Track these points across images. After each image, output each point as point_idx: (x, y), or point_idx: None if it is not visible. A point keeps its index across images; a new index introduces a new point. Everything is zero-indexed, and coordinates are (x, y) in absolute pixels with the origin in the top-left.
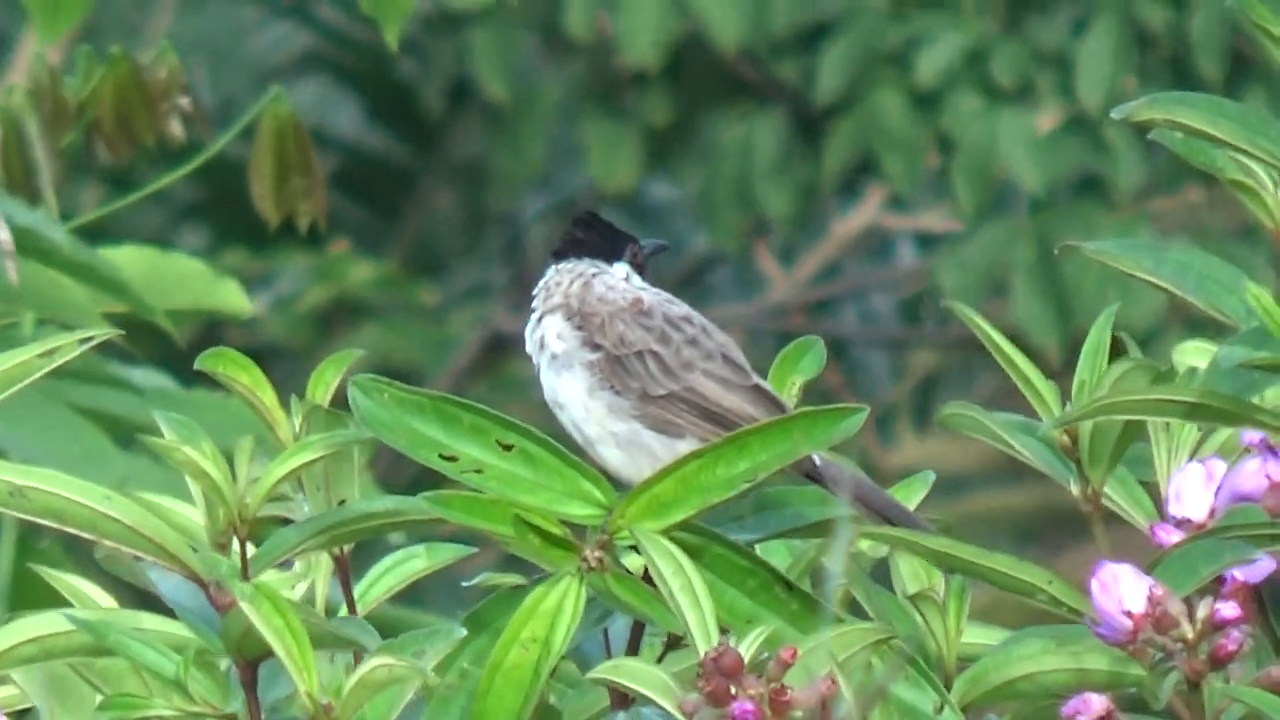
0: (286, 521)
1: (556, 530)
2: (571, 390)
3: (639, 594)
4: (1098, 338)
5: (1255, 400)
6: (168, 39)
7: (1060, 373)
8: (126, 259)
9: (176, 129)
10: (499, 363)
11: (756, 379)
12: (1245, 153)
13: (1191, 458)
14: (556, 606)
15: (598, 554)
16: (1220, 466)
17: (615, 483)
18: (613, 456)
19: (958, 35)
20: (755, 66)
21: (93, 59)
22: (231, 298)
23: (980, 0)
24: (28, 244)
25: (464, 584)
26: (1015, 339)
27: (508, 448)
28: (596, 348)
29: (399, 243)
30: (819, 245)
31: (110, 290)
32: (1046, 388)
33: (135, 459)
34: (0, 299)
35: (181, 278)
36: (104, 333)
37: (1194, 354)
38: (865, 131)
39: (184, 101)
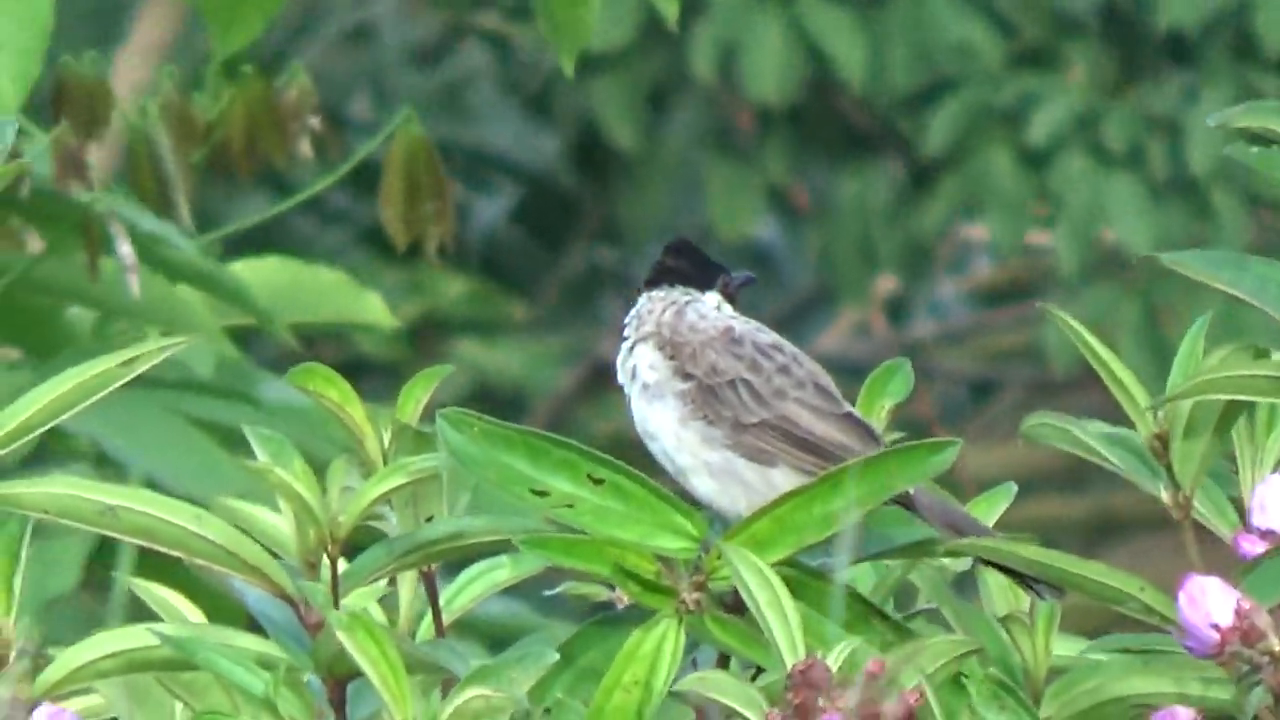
0: (376, 532)
1: (651, 568)
2: (663, 420)
3: (737, 634)
4: (1191, 345)
5: None
6: (299, 63)
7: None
8: (269, 270)
9: (306, 149)
10: (602, 391)
11: (848, 407)
12: None
13: (1276, 469)
14: (656, 650)
15: (695, 596)
16: None
17: (708, 512)
18: (705, 486)
19: (1069, 98)
20: (872, 117)
21: (222, 78)
22: (374, 310)
23: (1091, 64)
24: (150, 252)
25: (545, 594)
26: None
27: (598, 482)
28: (688, 377)
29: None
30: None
31: (232, 300)
32: (1143, 395)
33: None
34: (122, 315)
35: (325, 290)
36: (179, 341)
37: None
38: (972, 188)
39: (314, 121)
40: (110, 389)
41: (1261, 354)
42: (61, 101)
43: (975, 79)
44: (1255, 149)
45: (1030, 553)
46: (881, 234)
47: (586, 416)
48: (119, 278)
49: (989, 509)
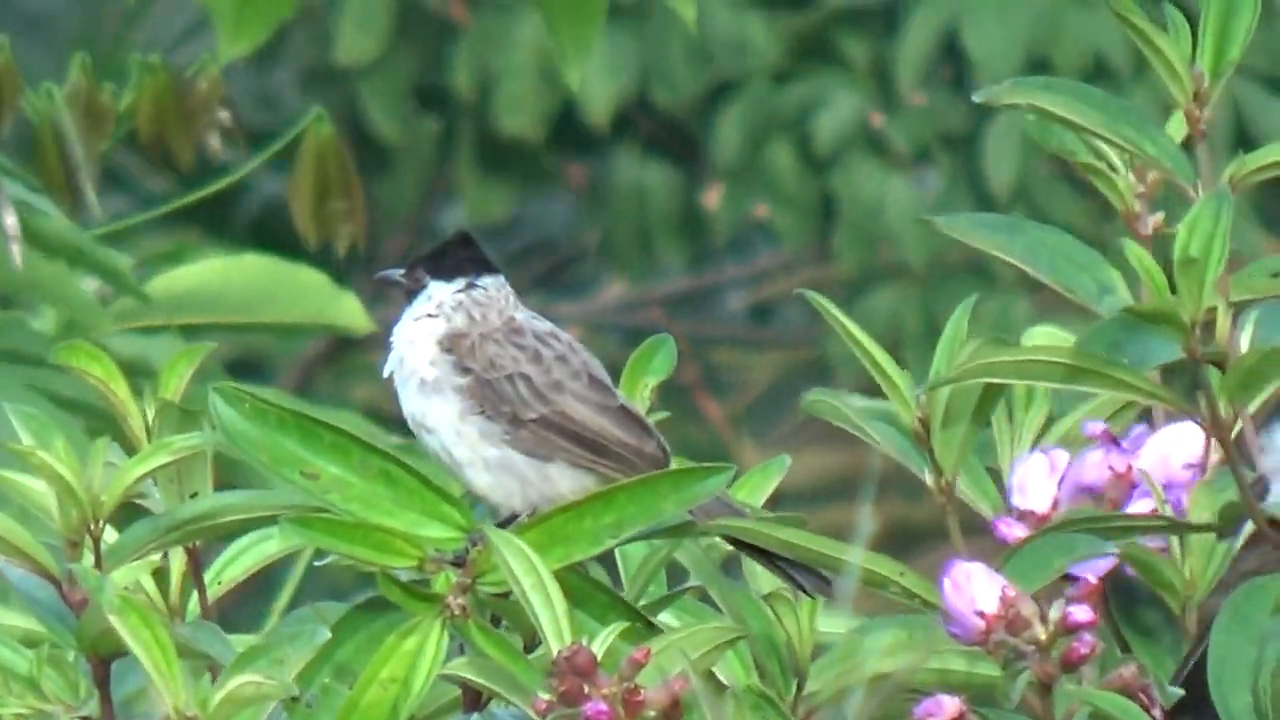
0: (142, 510)
1: (418, 554)
2: (442, 415)
3: (501, 648)
4: (954, 330)
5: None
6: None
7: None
8: (248, 267)
9: (215, 143)
10: (348, 352)
11: (622, 399)
12: (1106, 140)
13: (1034, 447)
14: (417, 649)
15: (460, 601)
16: (1063, 457)
17: (483, 505)
18: (482, 480)
19: (853, 98)
20: (645, 119)
21: (142, 69)
22: (351, 313)
23: (875, 66)
24: (30, 228)
25: (316, 564)
26: None
27: (368, 468)
28: (466, 371)
29: None
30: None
31: (105, 276)
32: (903, 380)
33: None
34: (8, 289)
35: (302, 290)
36: None
37: (1044, 339)
38: (757, 189)
39: (223, 115)
40: None
41: (1010, 344)
42: None
43: (756, 79)
44: (1032, 118)
45: (785, 534)
46: (662, 228)
47: (332, 384)
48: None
49: (761, 484)
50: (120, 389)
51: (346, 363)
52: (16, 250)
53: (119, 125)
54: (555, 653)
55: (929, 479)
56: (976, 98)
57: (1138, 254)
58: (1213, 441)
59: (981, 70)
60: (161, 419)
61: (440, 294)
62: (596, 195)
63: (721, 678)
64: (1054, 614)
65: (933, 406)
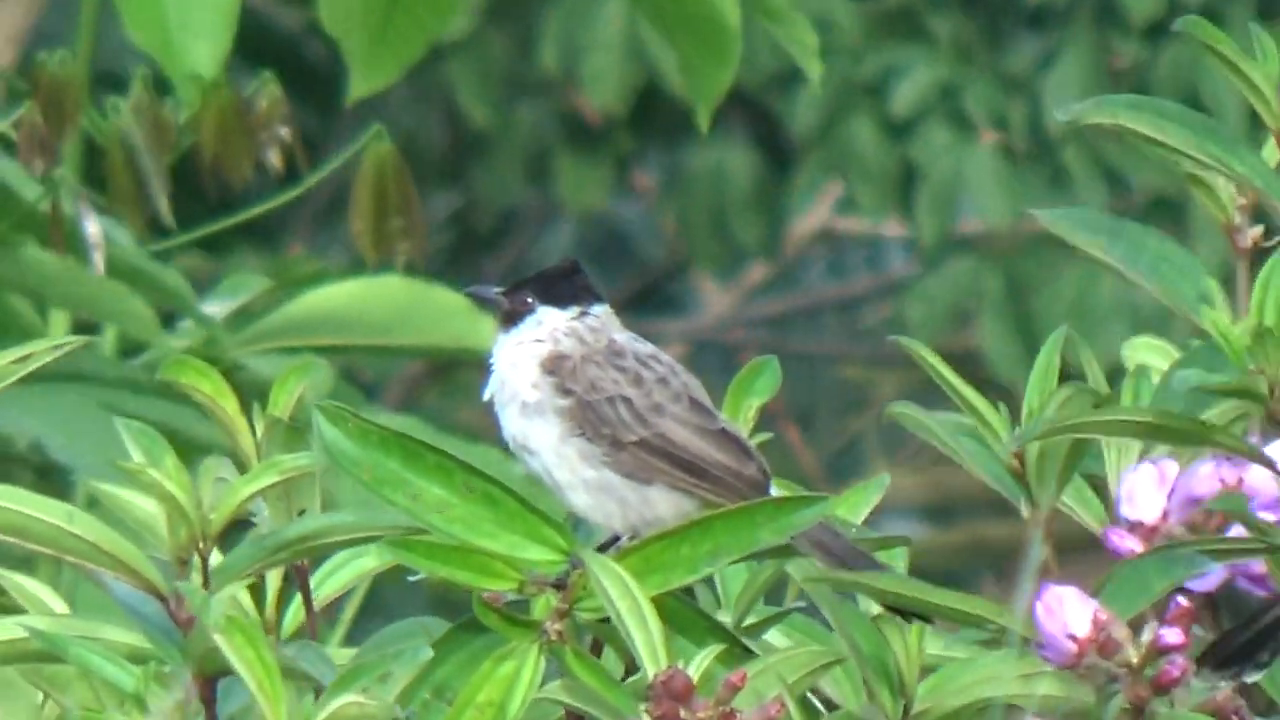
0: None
1: (517, 577)
2: (543, 437)
3: (596, 673)
4: (1046, 362)
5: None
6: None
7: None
8: (390, 289)
9: (275, 159)
10: (451, 372)
11: (723, 422)
12: (1192, 158)
13: (1142, 457)
14: (514, 673)
15: (557, 627)
16: (1173, 467)
17: (584, 527)
18: (582, 501)
19: (931, 68)
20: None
21: (203, 85)
22: (488, 336)
23: (953, 32)
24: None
25: (409, 579)
26: (982, 377)
27: (471, 489)
28: (568, 393)
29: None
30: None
31: (169, 300)
32: (998, 420)
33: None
34: (68, 305)
35: (443, 312)
36: (76, 340)
37: (1145, 350)
38: (837, 159)
39: (284, 132)
40: (4, 385)
41: (1106, 400)
42: (35, 96)
43: (836, 53)
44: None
45: (885, 583)
46: (740, 208)
47: (436, 403)
48: (65, 269)
49: (860, 503)
50: (230, 405)
51: (450, 382)
52: (99, 258)
53: (180, 141)
54: (651, 676)
55: (1024, 510)
56: (1059, 115)
57: (1216, 321)
58: None
59: None
60: (270, 437)
61: (553, 320)
62: (673, 184)
63: (834, 698)
64: (1145, 636)
65: (1027, 446)
